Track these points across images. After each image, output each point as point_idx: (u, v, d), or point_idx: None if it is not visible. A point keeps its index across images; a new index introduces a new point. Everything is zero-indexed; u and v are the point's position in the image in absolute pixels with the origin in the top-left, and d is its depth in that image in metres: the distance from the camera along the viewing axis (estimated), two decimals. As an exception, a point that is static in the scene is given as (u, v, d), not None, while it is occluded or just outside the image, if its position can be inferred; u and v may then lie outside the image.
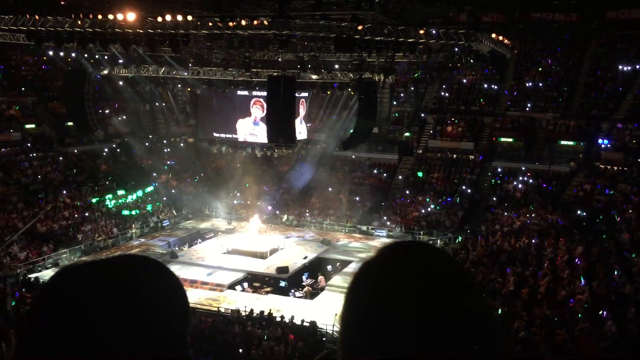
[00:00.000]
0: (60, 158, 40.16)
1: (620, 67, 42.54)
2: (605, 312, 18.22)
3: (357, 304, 1.01)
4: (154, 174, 43.11)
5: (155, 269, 1.09)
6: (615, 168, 36.24)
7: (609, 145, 38.01)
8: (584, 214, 32.44)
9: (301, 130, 33.50)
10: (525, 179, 38.90)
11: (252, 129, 33.95)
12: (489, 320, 0.99)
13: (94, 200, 36.57)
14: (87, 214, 34.55)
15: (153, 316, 1.01)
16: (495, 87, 45.10)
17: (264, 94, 29.43)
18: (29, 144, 39.14)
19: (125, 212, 36.56)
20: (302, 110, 33.87)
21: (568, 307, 19.39)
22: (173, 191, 41.97)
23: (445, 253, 1.09)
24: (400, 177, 42.20)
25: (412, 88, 43.99)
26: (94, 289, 1.00)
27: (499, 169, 40.31)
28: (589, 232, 28.79)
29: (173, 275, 1.11)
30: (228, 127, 35.12)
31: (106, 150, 43.62)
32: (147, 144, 46.40)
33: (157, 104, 45.43)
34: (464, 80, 46.13)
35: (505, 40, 29.69)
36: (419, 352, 0.91)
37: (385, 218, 37.61)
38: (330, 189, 40.60)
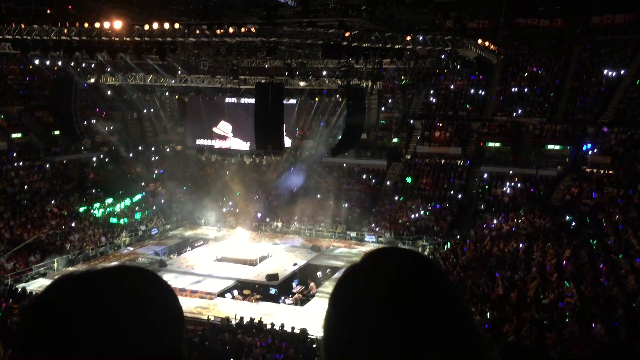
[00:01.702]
0: (48, 166, 39.82)
1: (604, 71, 43.03)
2: (594, 315, 18.34)
3: (340, 306, 1.03)
4: (143, 182, 42.89)
5: (149, 279, 1.11)
6: (602, 172, 36.61)
7: (595, 149, 38.37)
8: (570, 218, 32.72)
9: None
10: (513, 183, 39.13)
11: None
12: (461, 315, 1.02)
13: (81, 209, 36.29)
14: (74, 223, 34.25)
15: (146, 325, 1.03)
16: (482, 92, 45.43)
17: (252, 101, 29.44)
18: (15, 154, 38.79)
19: (113, 221, 36.31)
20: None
21: (557, 311, 19.50)
22: (162, 199, 41.72)
23: (424, 256, 1.12)
24: (389, 182, 42.29)
25: (398, 96, 44.27)
26: (88, 299, 1.01)
27: (487, 174, 40.54)
28: (577, 236, 29.00)
29: (167, 284, 1.13)
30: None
31: (94, 158, 43.38)
32: (135, 152, 46.19)
33: (145, 111, 45.27)
34: (452, 86, 46.40)
35: (491, 46, 29.95)
36: (401, 349, 0.94)
37: (374, 224, 37.67)
38: (319, 196, 40.60)
